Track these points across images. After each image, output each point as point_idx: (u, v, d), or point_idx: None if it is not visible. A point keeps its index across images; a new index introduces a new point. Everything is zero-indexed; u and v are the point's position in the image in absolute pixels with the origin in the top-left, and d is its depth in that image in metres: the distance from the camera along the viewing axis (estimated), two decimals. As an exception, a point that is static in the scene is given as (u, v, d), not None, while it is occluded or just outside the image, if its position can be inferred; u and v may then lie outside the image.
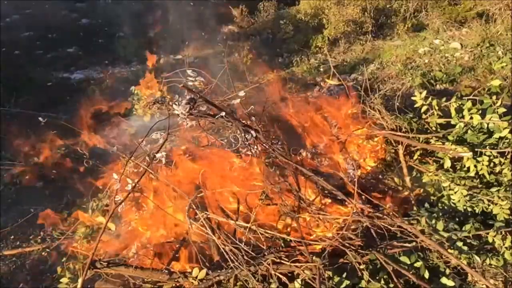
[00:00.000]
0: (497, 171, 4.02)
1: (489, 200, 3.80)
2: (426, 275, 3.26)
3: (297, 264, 3.21)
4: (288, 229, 3.72)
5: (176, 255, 3.63)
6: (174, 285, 3.33)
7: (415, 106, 4.56)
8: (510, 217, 3.69)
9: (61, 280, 3.56)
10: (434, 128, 4.48)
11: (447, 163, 4.15)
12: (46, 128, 6.19)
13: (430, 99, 4.43)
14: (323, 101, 4.90)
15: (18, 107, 7.49)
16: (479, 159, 4.01)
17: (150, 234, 3.99)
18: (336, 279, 3.16)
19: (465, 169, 4.10)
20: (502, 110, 4.01)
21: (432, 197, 4.22)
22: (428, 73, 7.55)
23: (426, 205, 3.93)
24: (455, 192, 3.94)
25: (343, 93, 5.26)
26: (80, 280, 3.11)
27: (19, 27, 12.76)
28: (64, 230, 4.63)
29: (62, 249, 4.47)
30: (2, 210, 5.32)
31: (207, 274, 3.19)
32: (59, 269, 3.65)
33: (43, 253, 4.55)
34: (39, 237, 4.82)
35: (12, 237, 4.87)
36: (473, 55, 8.01)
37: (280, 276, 3.18)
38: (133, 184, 3.44)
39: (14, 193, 5.72)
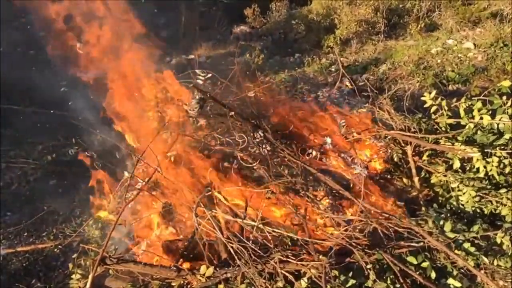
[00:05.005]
0: (506, 172, 3.99)
1: (497, 201, 3.78)
2: (433, 275, 3.27)
3: (303, 262, 3.22)
4: (296, 228, 3.74)
5: (185, 253, 3.67)
6: (182, 282, 3.38)
7: (424, 106, 4.54)
8: (519, 218, 3.67)
9: (72, 277, 3.63)
10: (443, 129, 4.45)
11: (456, 164, 4.13)
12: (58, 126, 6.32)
13: (439, 99, 4.41)
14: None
15: (32, 106, 7.61)
16: (488, 160, 3.98)
17: (159, 231, 4.04)
18: (342, 278, 3.18)
19: (475, 170, 4.08)
20: (512, 110, 3.98)
21: (440, 198, 4.20)
22: (440, 74, 7.50)
23: (435, 205, 3.92)
24: (464, 193, 3.92)
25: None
26: (90, 276, 3.16)
27: (34, 27, 12.92)
28: (76, 227, 4.73)
29: (74, 246, 4.57)
30: (16, 207, 5.43)
31: (214, 271, 3.23)
32: (70, 265, 3.72)
33: (55, 250, 4.64)
34: (52, 234, 4.91)
35: (26, 234, 4.97)
36: (486, 55, 7.93)
37: (287, 274, 3.20)
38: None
39: (28, 191, 5.82)
